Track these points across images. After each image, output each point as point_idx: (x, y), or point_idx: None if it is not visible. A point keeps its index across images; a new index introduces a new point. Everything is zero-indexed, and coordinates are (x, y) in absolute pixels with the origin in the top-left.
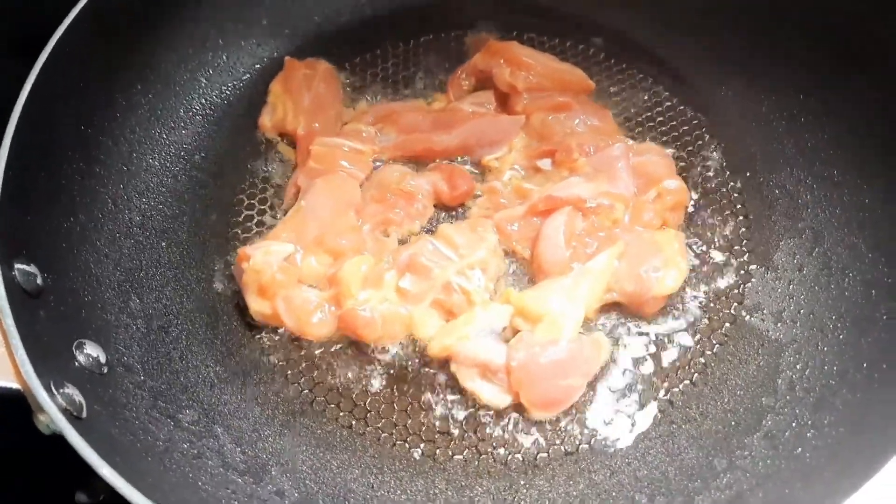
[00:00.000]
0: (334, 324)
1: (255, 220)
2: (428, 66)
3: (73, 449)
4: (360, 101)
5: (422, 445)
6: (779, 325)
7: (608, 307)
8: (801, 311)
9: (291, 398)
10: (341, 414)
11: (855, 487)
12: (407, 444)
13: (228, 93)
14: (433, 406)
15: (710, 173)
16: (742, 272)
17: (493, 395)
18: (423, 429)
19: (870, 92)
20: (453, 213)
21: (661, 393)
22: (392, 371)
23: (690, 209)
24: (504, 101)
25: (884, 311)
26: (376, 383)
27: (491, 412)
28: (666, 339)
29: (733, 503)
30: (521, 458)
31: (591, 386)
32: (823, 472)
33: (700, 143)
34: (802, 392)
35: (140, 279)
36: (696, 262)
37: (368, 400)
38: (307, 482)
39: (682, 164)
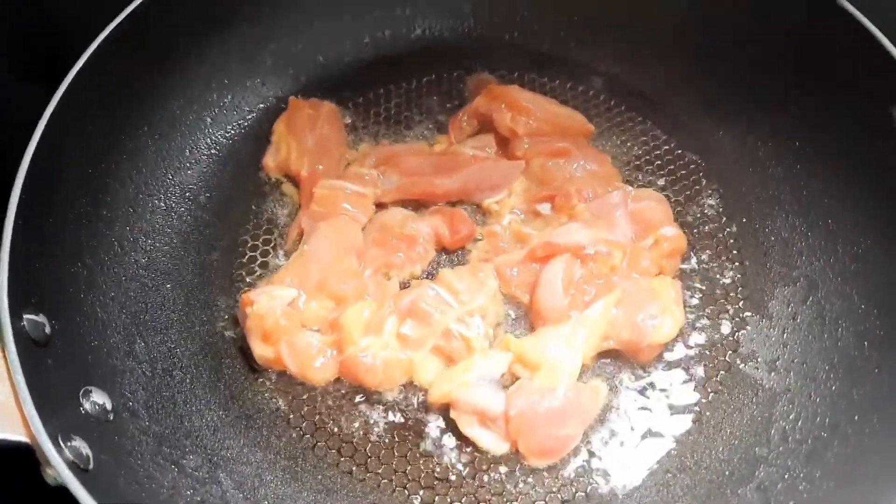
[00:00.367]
0: (336, 368)
1: (258, 262)
2: (430, 106)
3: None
4: (363, 141)
5: (421, 492)
6: (773, 374)
7: (605, 353)
8: (795, 361)
9: (294, 443)
10: (342, 459)
11: None
12: (406, 491)
13: (233, 132)
14: (433, 452)
15: (707, 218)
16: (737, 319)
17: (492, 442)
18: (423, 475)
19: (865, 142)
20: (454, 256)
21: (657, 441)
22: (393, 416)
23: (687, 255)
24: (505, 145)
25: (875, 363)
26: (377, 429)
27: (490, 459)
28: (662, 387)
29: None
30: None
31: (588, 433)
32: None
33: (697, 187)
34: (795, 443)
35: (145, 322)
36: (692, 308)
37: (369, 446)
38: None
39: (679, 208)
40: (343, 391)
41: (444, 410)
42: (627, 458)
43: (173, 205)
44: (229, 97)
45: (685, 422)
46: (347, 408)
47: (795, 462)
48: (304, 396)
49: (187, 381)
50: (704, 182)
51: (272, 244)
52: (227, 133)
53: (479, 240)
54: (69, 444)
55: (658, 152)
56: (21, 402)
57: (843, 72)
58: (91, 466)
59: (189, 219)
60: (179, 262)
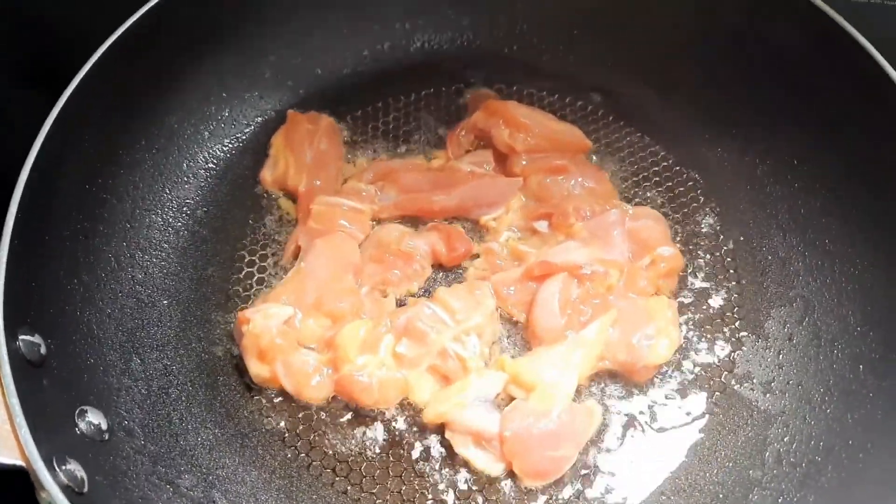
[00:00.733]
0: (332, 386)
1: (255, 277)
2: (428, 120)
3: None
4: (360, 156)
5: None
6: (768, 395)
7: (601, 373)
8: (790, 382)
9: (289, 462)
10: (337, 479)
11: None
12: None
13: (231, 146)
14: (427, 472)
15: (705, 236)
16: (733, 339)
17: (487, 462)
18: (418, 495)
19: (863, 162)
20: (450, 273)
21: (652, 462)
22: (388, 435)
23: (683, 274)
24: (503, 161)
25: (870, 387)
26: (372, 448)
27: (485, 479)
28: (657, 408)
29: None
30: None
31: (583, 454)
32: None
33: (695, 204)
34: (789, 467)
35: (141, 339)
36: (688, 328)
37: (364, 465)
38: None
39: (676, 226)
40: (339, 410)
41: (440, 430)
42: (622, 479)
43: (170, 220)
44: (227, 111)
45: (680, 443)
46: (343, 426)
47: (789, 486)
48: (300, 415)
49: (183, 398)
50: (702, 199)
51: (268, 260)
52: (225, 147)
53: (477, 257)
54: (64, 467)
55: (656, 168)
56: (16, 427)
57: (842, 92)
58: (86, 490)
59: (186, 234)
60: (176, 278)
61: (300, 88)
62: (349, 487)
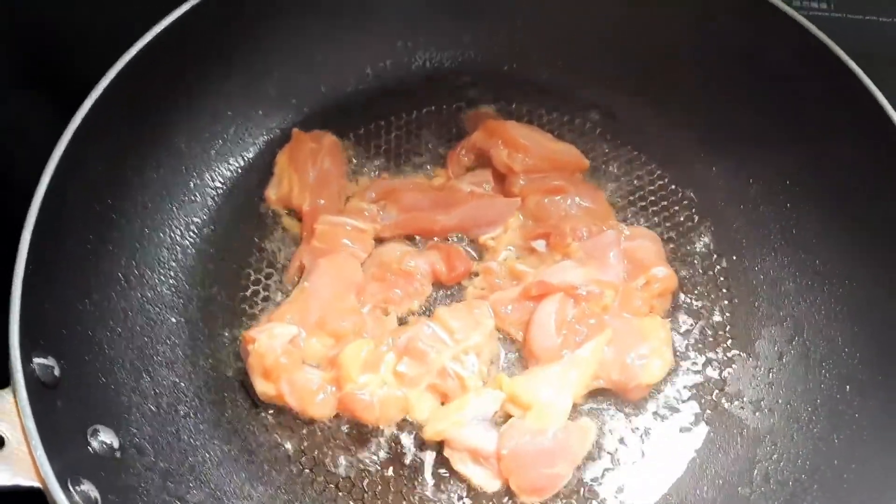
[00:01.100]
0: (336, 404)
1: (261, 295)
2: (430, 138)
3: None
4: (363, 174)
5: None
6: (757, 413)
7: (595, 391)
8: (780, 401)
9: (293, 478)
10: (340, 495)
11: None
12: None
13: (237, 165)
14: (428, 488)
15: (699, 255)
16: (725, 358)
17: (484, 479)
18: None
19: (855, 184)
20: (449, 291)
21: (644, 479)
22: (389, 452)
23: (677, 293)
24: (501, 180)
25: (856, 408)
26: (374, 464)
27: (483, 495)
28: (649, 425)
29: None
30: None
31: (578, 471)
32: None
33: (690, 224)
34: (777, 485)
35: (150, 356)
36: (681, 347)
37: (366, 481)
38: None
39: (671, 245)
40: (342, 427)
41: (440, 447)
42: (615, 495)
43: (178, 238)
44: (233, 129)
45: (671, 460)
46: (346, 443)
47: None
48: (304, 431)
49: (191, 415)
50: (697, 218)
51: (274, 278)
52: (231, 166)
53: (476, 275)
54: (78, 487)
55: (652, 187)
56: (32, 448)
57: (834, 115)
58: None
59: (193, 252)
60: (184, 296)
61: (304, 106)
62: (351, 503)
